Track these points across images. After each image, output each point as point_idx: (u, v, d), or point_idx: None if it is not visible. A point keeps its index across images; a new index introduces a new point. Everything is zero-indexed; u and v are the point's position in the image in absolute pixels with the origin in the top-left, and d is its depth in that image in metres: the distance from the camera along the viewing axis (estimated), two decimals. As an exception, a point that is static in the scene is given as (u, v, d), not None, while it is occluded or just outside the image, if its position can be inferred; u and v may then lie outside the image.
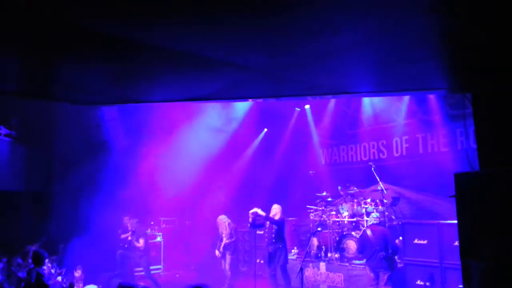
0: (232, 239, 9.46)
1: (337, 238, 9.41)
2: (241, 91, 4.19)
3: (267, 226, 8.53)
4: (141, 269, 9.38)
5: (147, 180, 10.53)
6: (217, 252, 9.44)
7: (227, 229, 9.42)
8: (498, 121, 3.78)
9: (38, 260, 6.11)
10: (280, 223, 8.44)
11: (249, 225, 8.79)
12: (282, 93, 4.31)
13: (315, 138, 12.54)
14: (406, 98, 10.32)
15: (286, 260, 8.45)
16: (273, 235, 8.36)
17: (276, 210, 8.53)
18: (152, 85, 4.06)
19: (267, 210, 8.63)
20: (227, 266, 9.30)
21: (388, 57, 3.32)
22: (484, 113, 3.89)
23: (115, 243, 9.50)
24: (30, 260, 6.77)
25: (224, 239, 9.35)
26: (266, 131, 13.07)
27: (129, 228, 9.33)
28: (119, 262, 9.27)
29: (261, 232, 11.13)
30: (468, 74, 3.80)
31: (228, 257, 9.31)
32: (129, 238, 9.22)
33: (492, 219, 3.76)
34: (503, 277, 3.71)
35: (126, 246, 9.29)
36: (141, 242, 9.10)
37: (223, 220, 9.55)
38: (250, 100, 8.76)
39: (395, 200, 9.73)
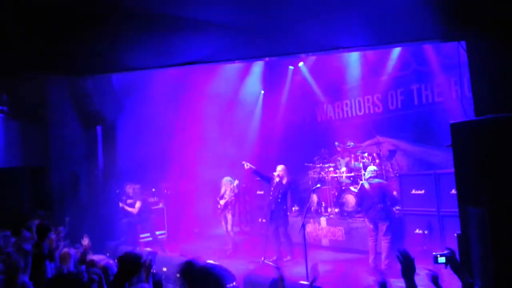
0: (232, 198, 9.51)
1: (336, 194, 9.58)
2: (235, 53, 4.13)
3: (274, 183, 8.61)
4: (148, 234, 9.59)
5: (147, 147, 10.54)
6: (221, 202, 9.51)
7: (230, 189, 9.51)
8: (493, 69, 3.77)
9: (42, 233, 6.18)
10: (288, 186, 8.60)
11: (253, 170, 8.85)
12: (276, 52, 4.25)
13: (310, 95, 12.47)
14: (399, 50, 10.20)
15: (287, 221, 8.61)
16: (279, 195, 8.47)
17: (281, 172, 8.58)
18: (144, 52, 3.99)
19: (272, 170, 8.76)
20: (229, 227, 9.46)
21: (380, 8, 3.25)
22: (479, 61, 3.86)
23: (118, 212, 9.64)
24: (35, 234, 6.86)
25: (226, 197, 9.46)
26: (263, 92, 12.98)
27: (130, 194, 9.46)
28: (124, 229, 9.44)
29: (261, 192, 11.34)
30: (461, 22, 3.74)
31: (229, 217, 9.45)
32: (120, 204, 9.37)
33: (488, 165, 3.82)
34: (499, 221, 3.81)
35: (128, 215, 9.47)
36: (136, 207, 9.23)
37: (228, 181, 9.61)
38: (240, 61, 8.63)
39: (391, 153, 9.82)
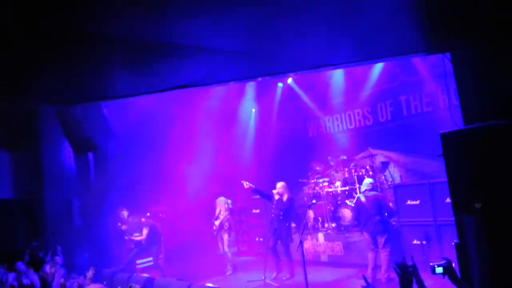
0: (228, 218, 9.43)
1: (332, 208, 9.58)
2: (226, 75, 4.18)
3: (275, 201, 8.57)
4: (150, 259, 9.52)
5: (140, 171, 10.51)
6: (216, 222, 9.42)
7: (226, 209, 9.46)
8: (478, 77, 3.84)
9: (36, 264, 6.11)
10: (289, 202, 8.58)
11: (253, 189, 8.82)
12: (267, 72, 4.30)
13: (300, 111, 12.54)
14: (386, 62, 10.34)
15: (291, 239, 8.56)
16: (281, 212, 8.45)
17: (281, 190, 8.57)
18: (134, 78, 4.02)
19: (267, 187, 8.77)
20: (226, 247, 9.35)
21: (364, 25, 3.31)
22: (464, 70, 3.94)
23: (115, 239, 9.56)
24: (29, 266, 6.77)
25: (221, 217, 9.39)
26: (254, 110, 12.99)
27: (124, 228, 9.44)
28: (131, 259, 9.38)
29: (257, 211, 11.30)
30: (445, 34, 3.83)
31: (225, 237, 9.35)
32: (126, 237, 9.34)
33: (479, 173, 3.86)
34: (493, 229, 3.82)
35: (133, 247, 9.43)
36: (144, 233, 9.20)
37: (222, 201, 9.58)
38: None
39: (384, 165, 9.88)
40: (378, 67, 10.56)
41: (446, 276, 3.51)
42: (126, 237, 9.42)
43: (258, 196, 9.55)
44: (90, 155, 10.32)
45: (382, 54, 3.92)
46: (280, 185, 8.64)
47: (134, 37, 3.04)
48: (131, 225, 9.55)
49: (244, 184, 8.68)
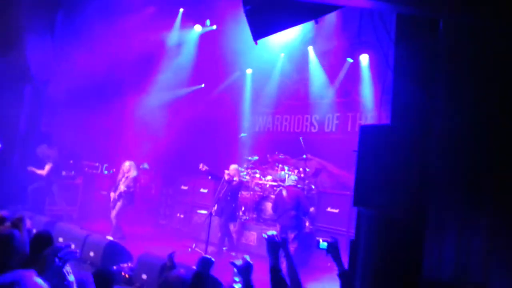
0: (130, 190, 9.02)
1: (257, 199, 9.65)
2: None
3: (224, 181, 8.60)
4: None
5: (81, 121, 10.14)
6: (112, 194, 9.07)
7: (128, 178, 9.04)
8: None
9: None
10: (238, 185, 8.76)
11: (209, 177, 9.11)
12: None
13: (252, 104, 12.54)
14: (341, 78, 10.64)
15: (231, 217, 8.77)
16: (229, 193, 8.58)
17: (233, 172, 8.74)
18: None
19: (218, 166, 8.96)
20: (114, 213, 8.93)
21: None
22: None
23: (26, 176, 9.13)
24: None
25: (121, 186, 9.01)
26: (203, 87, 12.77)
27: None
28: (30, 196, 8.91)
29: (186, 188, 11.19)
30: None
31: (119, 205, 8.92)
32: (29, 168, 8.91)
33: (386, 171, 3.99)
34: (386, 225, 3.97)
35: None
36: (46, 169, 8.78)
37: (127, 167, 9.14)
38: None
39: (317, 172, 10.09)
40: (334, 80, 10.83)
41: (330, 254, 3.61)
42: (28, 168, 8.95)
43: (210, 177, 9.31)
44: (27, 88, 9.85)
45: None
46: (232, 167, 8.83)
47: None
48: (43, 156, 9.10)
49: (201, 166, 8.74)
